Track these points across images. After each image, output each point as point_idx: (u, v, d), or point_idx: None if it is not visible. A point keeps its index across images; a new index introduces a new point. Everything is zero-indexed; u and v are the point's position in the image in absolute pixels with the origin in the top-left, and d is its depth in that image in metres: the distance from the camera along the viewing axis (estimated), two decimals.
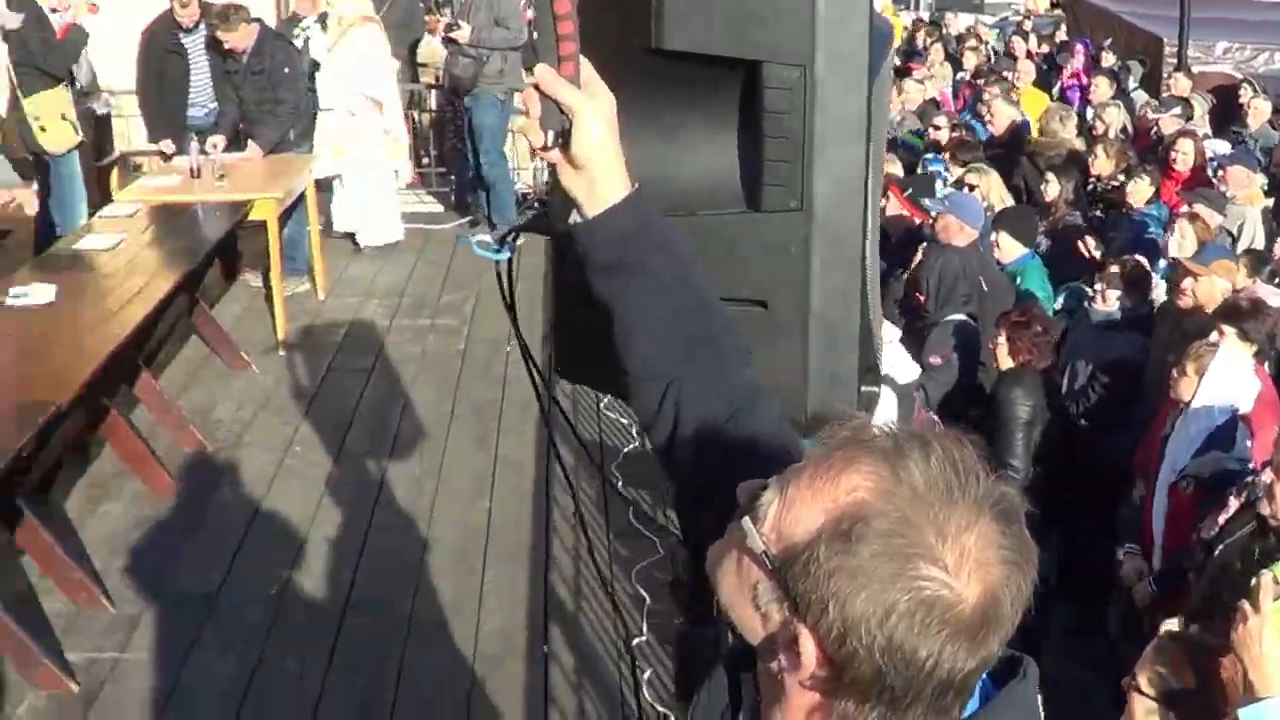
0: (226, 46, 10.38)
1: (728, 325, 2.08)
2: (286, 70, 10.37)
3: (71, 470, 7.45)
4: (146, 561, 6.57)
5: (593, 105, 1.95)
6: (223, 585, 6.34)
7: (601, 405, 8.06)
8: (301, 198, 10.52)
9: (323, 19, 11.72)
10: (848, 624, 1.44)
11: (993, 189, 9.43)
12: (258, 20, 10.54)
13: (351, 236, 12.07)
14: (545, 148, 1.97)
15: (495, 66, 11.93)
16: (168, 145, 10.72)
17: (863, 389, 2.64)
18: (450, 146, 14.31)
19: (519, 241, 2.32)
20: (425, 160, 14.92)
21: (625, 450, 7.75)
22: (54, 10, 10.25)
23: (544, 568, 6.50)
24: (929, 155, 10.98)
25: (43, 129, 10.25)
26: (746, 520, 1.54)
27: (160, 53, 10.75)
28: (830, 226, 2.47)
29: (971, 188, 9.18)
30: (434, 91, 14.91)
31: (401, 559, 6.60)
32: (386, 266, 11.60)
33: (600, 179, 1.97)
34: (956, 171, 10.00)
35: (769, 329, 2.48)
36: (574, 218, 2.02)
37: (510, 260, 2.31)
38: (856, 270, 2.54)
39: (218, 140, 10.54)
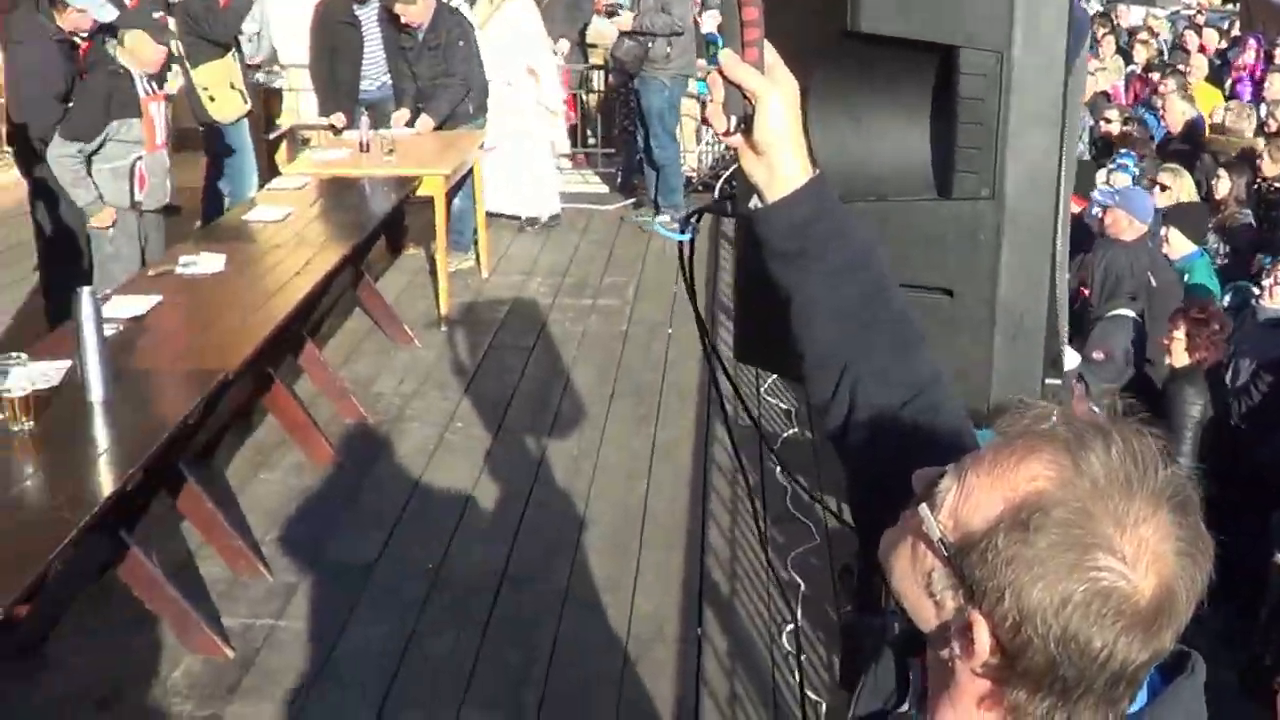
0: (403, 20, 10.46)
1: (906, 312, 2.03)
2: (461, 44, 10.39)
3: (234, 438, 7.54)
4: (305, 531, 6.63)
5: (776, 91, 1.93)
6: (380, 556, 6.37)
7: (761, 389, 7.99)
8: (470, 173, 10.55)
9: None
10: (1023, 613, 1.42)
11: (1184, 190, 9.22)
12: None
13: (506, 215, 12.10)
14: (728, 132, 1.96)
15: (661, 50, 11.88)
16: (339, 119, 10.83)
17: (1046, 381, 2.58)
18: (620, 128, 14.32)
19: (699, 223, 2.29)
20: (591, 140, 14.96)
21: (784, 435, 7.68)
22: None
23: (700, 551, 6.45)
24: (1122, 150, 10.74)
25: (211, 99, 10.41)
26: (924, 507, 1.53)
27: (334, 25, 10.88)
28: (1021, 215, 2.42)
29: (1164, 187, 8.99)
30: (601, 72, 14.93)
31: (558, 537, 6.59)
32: (549, 245, 11.63)
33: (781, 165, 1.95)
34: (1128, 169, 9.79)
35: (955, 317, 2.43)
36: (754, 203, 2.01)
37: (692, 241, 2.30)
38: (1046, 260, 2.48)
39: (400, 115, 10.65)
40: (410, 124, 10.67)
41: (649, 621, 5.85)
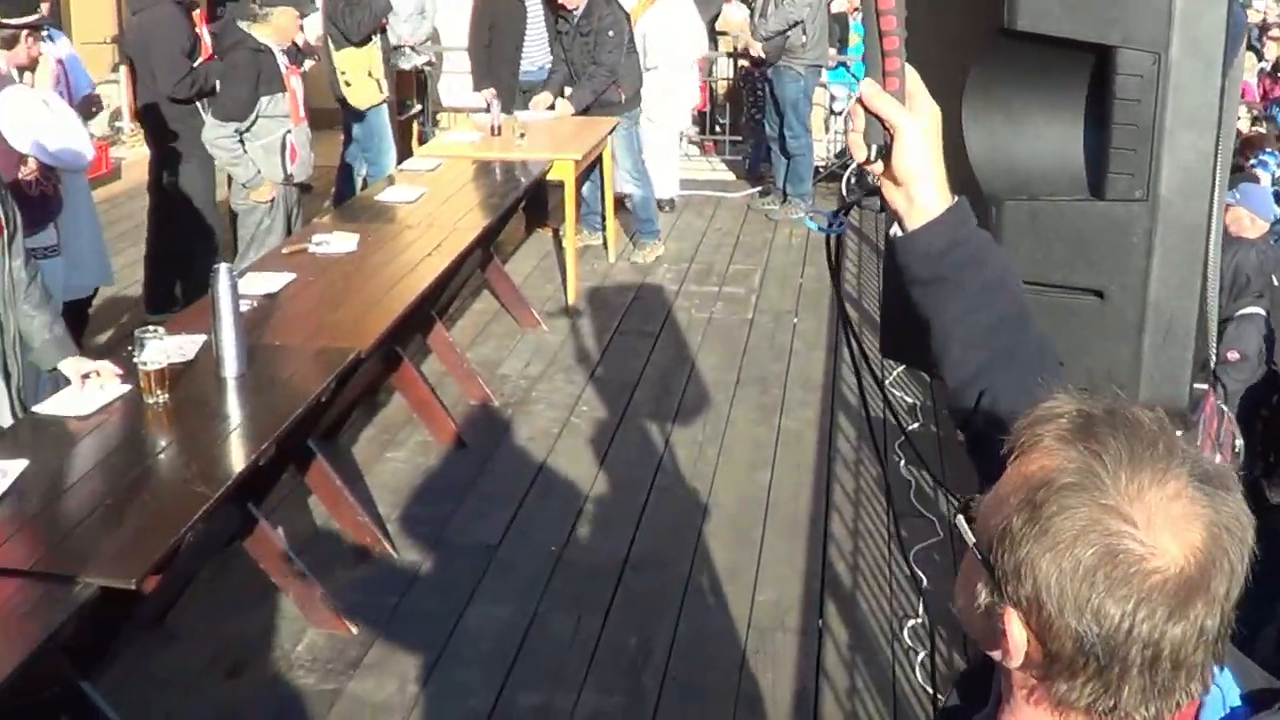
0: (559, 2, 10.50)
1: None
2: (611, 34, 10.35)
3: (362, 415, 7.64)
4: (429, 510, 6.69)
5: (915, 123, 1.95)
6: (504, 538, 6.41)
7: (887, 382, 7.94)
8: (600, 158, 10.59)
9: None
10: (1038, 587, 1.44)
11: None
12: None
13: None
14: (868, 161, 1.98)
15: (798, 40, 11.84)
16: (489, 94, 10.86)
17: (1194, 385, 2.56)
18: (748, 115, 14.30)
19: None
20: (719, 128, 14.95)
21: (909, 429, 7.63)
22: None
23: (822, 543, 6.43)
24: (1266, 150, 10.53)
25: (348, 84, 10.54)
26: (960, 518, 1.57)
27: (497, 3, 10.95)
28: (1175, 218, 2.39)
29: None
30: (730, 60, 14.92)
31: (681, 523, 6.60)
32: (675, 232, 11.63)
33: (919, 195, 1.97)
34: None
35: (1104, 318, 2.42)
36: (894, 230, 2.03)
37: (841, 237, 2.31)
38: (1199, 263, 2.46)
39: (542, 99, 10.72)
40: (552, 108, 10.73)
41: (770, 611, 5.84)
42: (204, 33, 9.41)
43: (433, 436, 7.40)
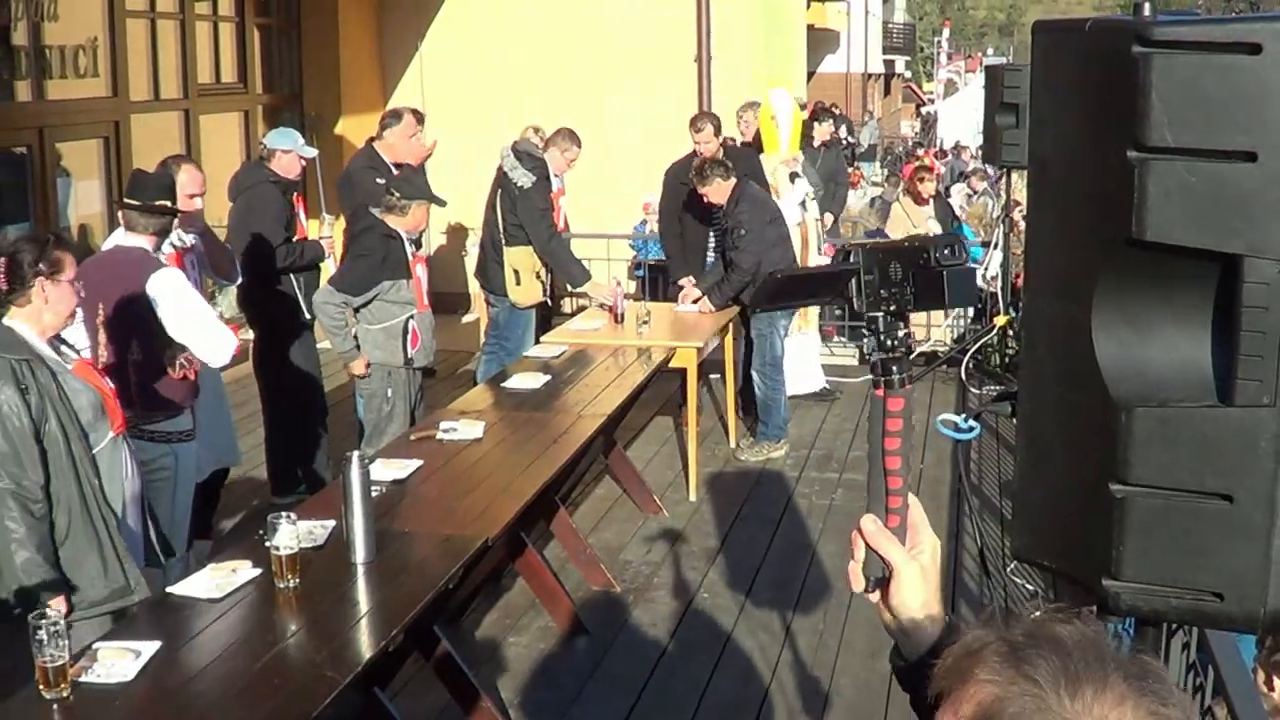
0: (705, 201, 10.65)
1: None
2: (743, 232, 10.37)
3: (485, 600, 7.70)
4: (551, 696, 6.71)
5: (912, 566, 2.02)
6: None
7: (1009, 569, 7.87)
8: (721, 346, 10.70)
9: None
10: None
11: None
12: (738, 179, 10.68)
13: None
14: (866, 591, 2.06)
15: None
16: (687, 282, 11.00)
17: None
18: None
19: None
20: (838, 312, 15.03)
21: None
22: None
23: None
24: None
25: (517, 283, 10.77)
26: None
27: (678, 187, 11.18)
28: None
29: None
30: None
31: (801, 711, 6.57)
32: (796, 417, 11.66)
33: (915, 629, 2.02)
34: None
35: (1233, 522, 2.43)
36: (892, 656, 2.08)
37: (977, 440, 2.36)
38: None
39: (689, 293, 10.87)
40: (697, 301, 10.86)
41: None
42: (301, 215, 9.70)
43: (554, 622, 7.44)
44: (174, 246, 7.66)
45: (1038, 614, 1.53)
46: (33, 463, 5.06)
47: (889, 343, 2.05)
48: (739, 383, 11.21)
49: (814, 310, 12.58)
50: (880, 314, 2.06)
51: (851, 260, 2.06)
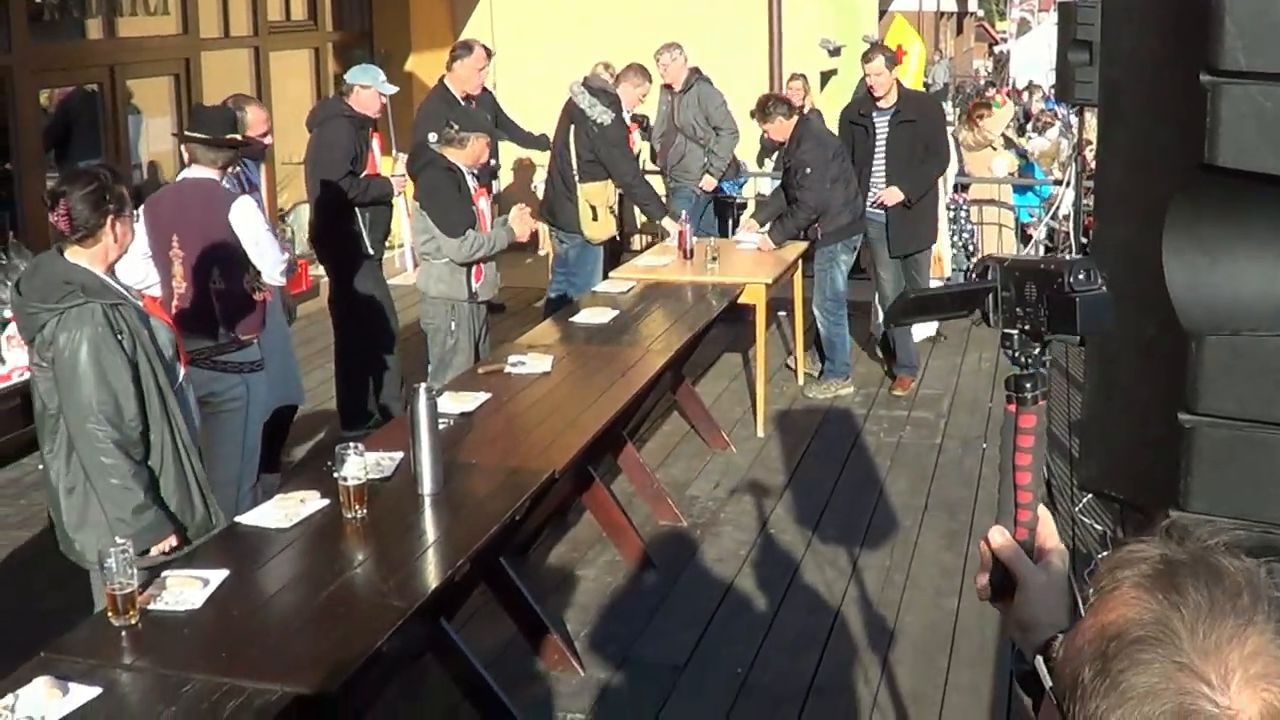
0: (766, 136, 10.62)
1: None
2: (809, 170, 10.31)
3: (552, 533, 7.73)
4: (617, 629, 6.74)
5: (1039, 577, 2.00)
6: (690, 659, 6.42)
7: (1076, 510, 7.82)
8: (790, 283, 10.67)
9: None
10: None
11: None
12: (800, 116, 10.66)
13: None
14: (992, 600, 2.05)
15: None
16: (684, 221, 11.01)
17: None
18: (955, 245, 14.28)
19: None
20: None
21: (1098, 558, 7.48)
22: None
23: (1009, 673, 6.32)
24: None
25: (594, 218, 10.76)
26: (1039, 659, 1.58)
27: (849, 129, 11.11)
28: None
29: None
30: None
31: (866, 648, 6.55)
32: (865, 356, 11.60)
33: (1038, 640, 1.93)
34: None
35: None
36: (1016, 662, 2.02)
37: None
38: None
39: (750, 222, 10.88)
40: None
41: None
42: (376, 151, 9.71)
43: (621, 556, 7.46)
44: (243, 184, 7.68)
45: (1214, 540, 1.47)
46: (131, 410, 5.07)
47: (1024, 359, 2.05)
48: (807, 320, 11.15)
49: (947, 255, 12.50)
50: (1015, 331, 2.05)
51: (989, 278, 2.06)
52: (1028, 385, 2.04)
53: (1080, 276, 1.92)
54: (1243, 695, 1.34)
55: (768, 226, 10.67)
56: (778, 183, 11.54)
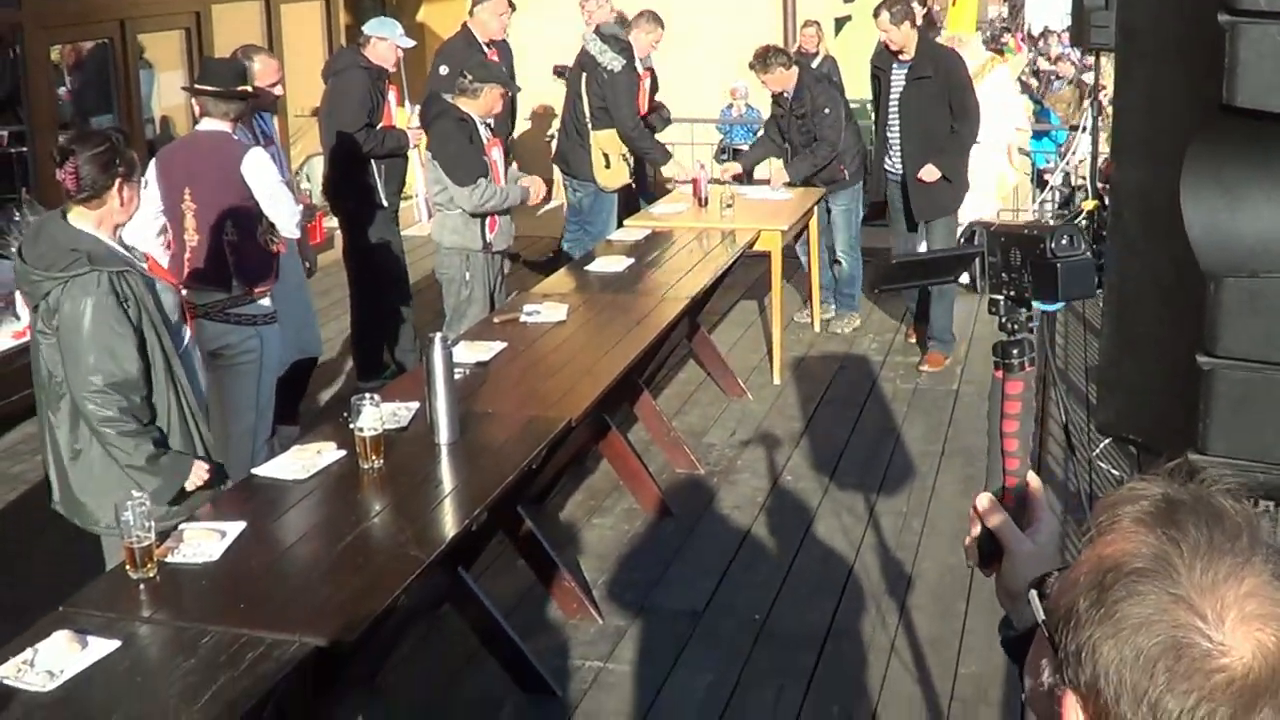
0: (769, 88, 10.58)
1: None
2: (828, 111, 10.34)
3: (569, 482, 7.74)
4: (635, 576, 6.75)
5: (1026, 544, 1.98)
6: (708, 605, 6.44)
7: (1094, 456, 7.81)
8: (805, 229, 10.63)
9: None
10: (1098, 672, 1.38)
11: None
12: (798, 64, 10.65)
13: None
14: (980, 566, 2.04)
15: None
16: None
17: None
18: None
19: None
20: None
21: (1100, 500, 7.47)
22: None
23: None
24: None
25: (607, 166, 10.74)
26: (1033, 593, 1.55)
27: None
28: None
29: None
30: None
31: (884, 594, 6.56)
32: (882, 302, 11.58)
33: (1025, 612, 1.89)
34: None
35: None
36: (1003, 627, 2.00)
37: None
38: None
39: (729, 166, 10.87)
40: (739, 179, 10.82)
41: (973, 684, 5.77)
42: (391, 101, 9.69)
43: (639, 504, 7.46)
44: (258, 137, 7.65)
45: (1215, 485, 1.47)
46: (136, 378, 5.03)
47: (1010, 325, 2.03)
48: (823, 266, 11.12)
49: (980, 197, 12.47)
50: (1001, 297, 2.04)
51: (976, 242, 2.04)
52: (1014, 351, 2.02)
53: (1063, 242, 1.90)
54: (1236, 633, 1.34)
55: (780, 165, 10.68)
56: (761, 131, 11.49)
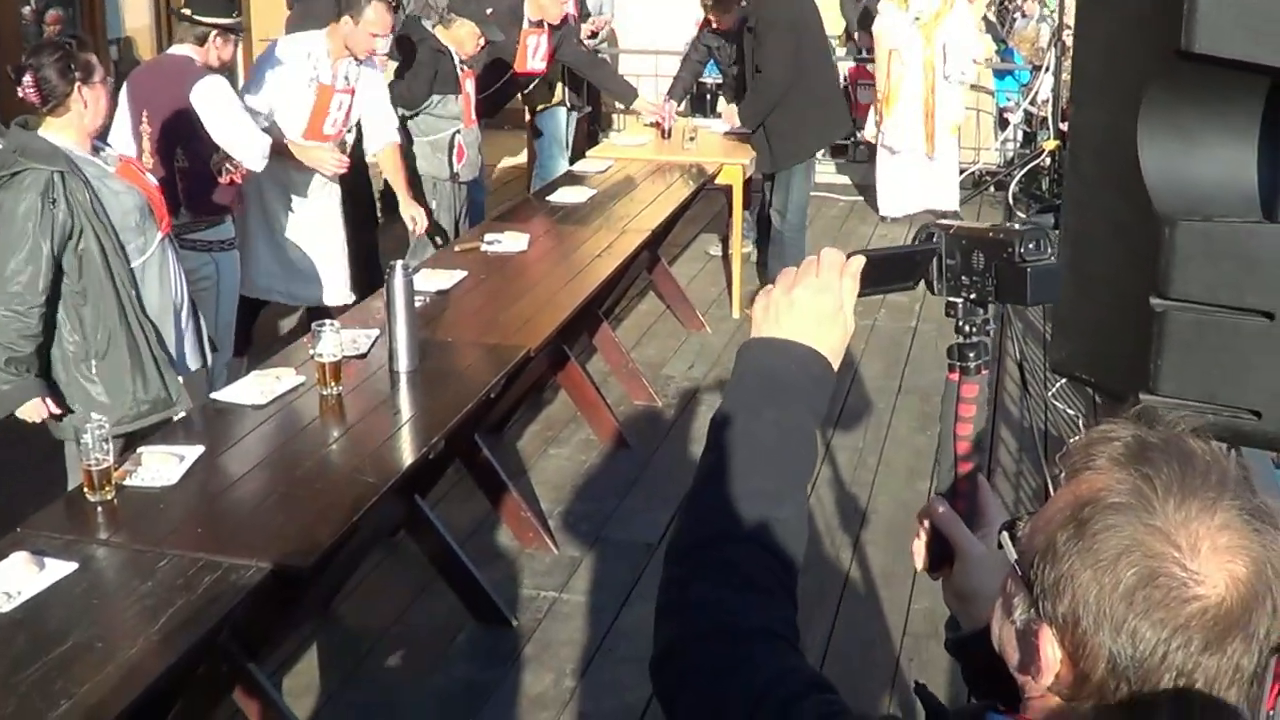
0: (713, 27, 10.49)
1: None
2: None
3: (526, 412, 7.76)
4: (591, 507, 6.79)
5: (978, 548, 1.96)
6: (663, 537, 6.46)
7: (1049, 395, 7.87)
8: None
9: None
10: (1076, 602, 1.43)
11: None
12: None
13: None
14: (928, 571, 2.01)
15: None
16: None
17: None
18: None
19: None
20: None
21: (1069, 443, 7.53)
22: None
23: None
24: None
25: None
26: (1004, 535, 1.57)
27: None
28: None
29: None
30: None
31: (838, 528, 6.61)
32: (841, 237, 11.61)
33: (974, 609, 1.92)
34: None
35: (1273, 340, 2.40)
36: (949, 628, 2.01)
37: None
38: None
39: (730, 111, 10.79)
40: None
41: (925, 619, 5.82)
42: None
43: (596, 435, 7.49)
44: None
45: (1182, 426, 1.52)
46: (37, 280, 5.00)
47: (967, 328, 2.00)
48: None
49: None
50: (960, 300, 1.99)
51: (934, 241, 1.99)
52: (970, 354, 2.01)
53: (1031, 246, 1.89)
54: (1210, 564, 1.39)
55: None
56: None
